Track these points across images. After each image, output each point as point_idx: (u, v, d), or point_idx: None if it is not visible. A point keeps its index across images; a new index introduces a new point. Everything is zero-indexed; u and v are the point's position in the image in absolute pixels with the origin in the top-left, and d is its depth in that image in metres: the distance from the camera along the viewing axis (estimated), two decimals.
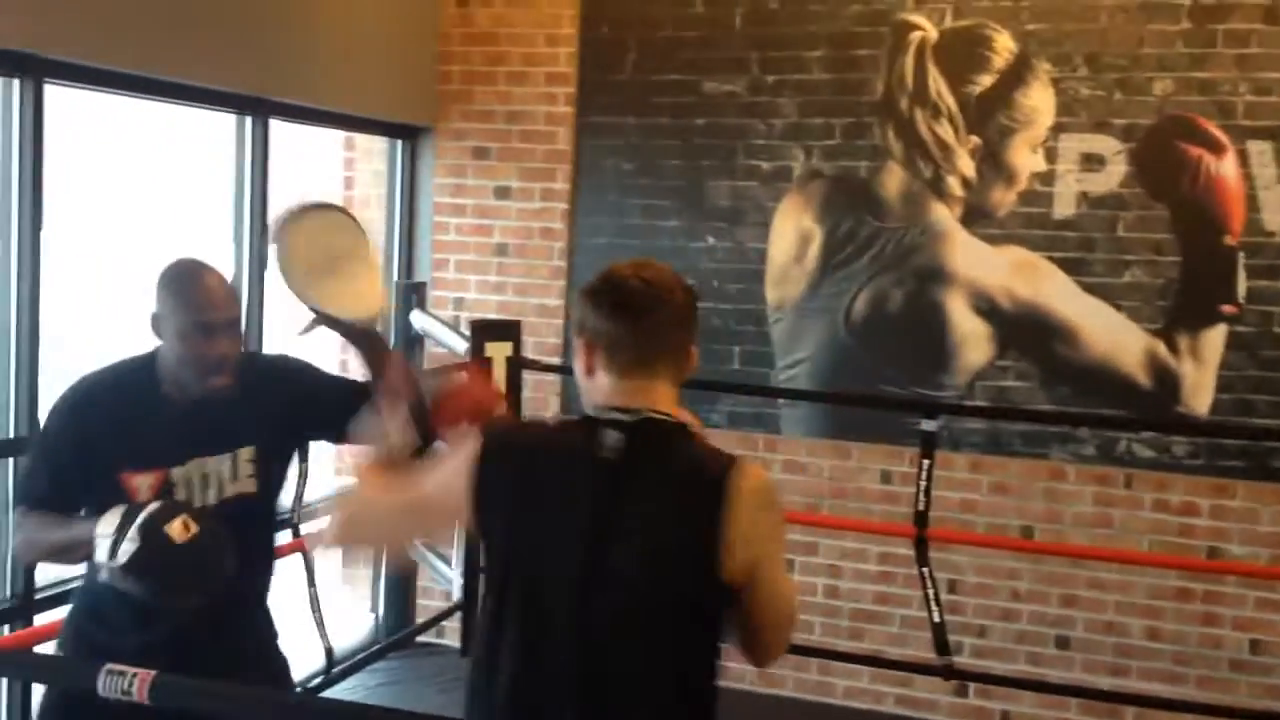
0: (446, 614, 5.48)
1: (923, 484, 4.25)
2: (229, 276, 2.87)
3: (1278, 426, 4.90)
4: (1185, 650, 5.06)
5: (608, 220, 5.61)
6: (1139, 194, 5.02)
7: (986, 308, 5.18)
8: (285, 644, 2.97)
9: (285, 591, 3.62)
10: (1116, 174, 5.04)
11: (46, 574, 3.89)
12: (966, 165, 5.17)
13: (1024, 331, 5.15)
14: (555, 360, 5.37)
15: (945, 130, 5.18)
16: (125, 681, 1.87)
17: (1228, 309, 4.96)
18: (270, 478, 2.84)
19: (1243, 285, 4.92)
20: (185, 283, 2.68)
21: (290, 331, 3.06)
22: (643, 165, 5.55)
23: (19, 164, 3.70)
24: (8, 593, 3.73)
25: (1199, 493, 5.01)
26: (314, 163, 6.01)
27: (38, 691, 3.65)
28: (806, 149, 5.36)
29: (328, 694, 4.49)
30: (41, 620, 3.68)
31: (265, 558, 2.94)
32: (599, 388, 2.17)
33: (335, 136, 5.94)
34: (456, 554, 5.00)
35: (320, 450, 4.09)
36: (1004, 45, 5.11)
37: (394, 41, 5.52)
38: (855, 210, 5.31)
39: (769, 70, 5.38)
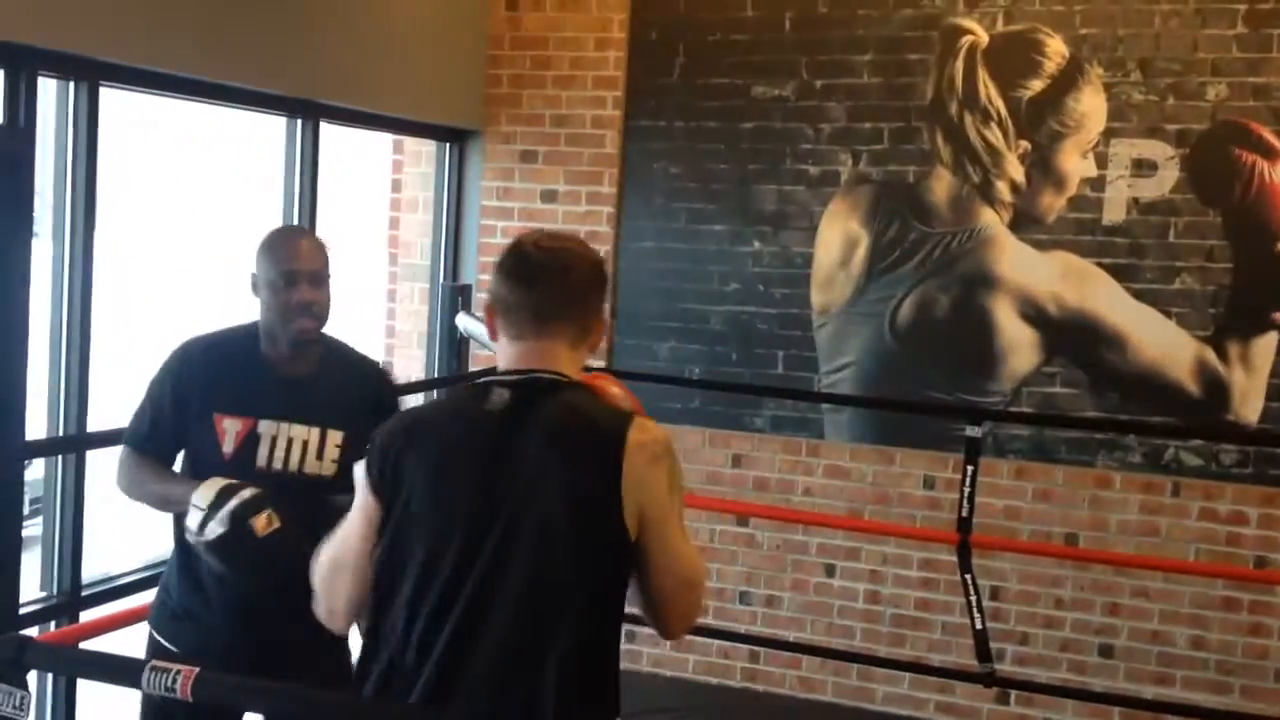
0: None
1: (966, 490, 4.25)
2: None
3: None
4: (1230, 660, 5.01)
5: (654, 224, 5.62)
6: (1190, 200, 4.98)
7: (1034, 314, 5.15)
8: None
9: None
10: (1168, 179, 4.99)
11: (92, 570, 3.95)
12: (1016, 170, 5.14)
13: (1072, 338, 5.11)
14: (600, 364, 5.38)
15: (995, 135, 5.15)
16: (169, 678, 1.89)
17: (1279, 317, 4.91)
18: (349, 468, 2.89)
19: None
20: (276, 240, 2.95)
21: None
22: (690, 169, 5.56)
23: (72, 166, 3.74)
24: (54, 589, 3.78)
25: (1247, 501, 4.96)
26: (363, 165, 6.05)
27: (83, 688, 3.72)
28: (854, 153, 5.34)
29: None
30: (87, 616, 3.72)
31: None
32: (501, 352, 2.22)
33: (384, 139, 5.99)
34: None
35: None
36: (1056, 49, 5.08)
37: (443, 45, 5.55)
38: (902, 215, 5.29)
39: (817, 74, 5.37)
